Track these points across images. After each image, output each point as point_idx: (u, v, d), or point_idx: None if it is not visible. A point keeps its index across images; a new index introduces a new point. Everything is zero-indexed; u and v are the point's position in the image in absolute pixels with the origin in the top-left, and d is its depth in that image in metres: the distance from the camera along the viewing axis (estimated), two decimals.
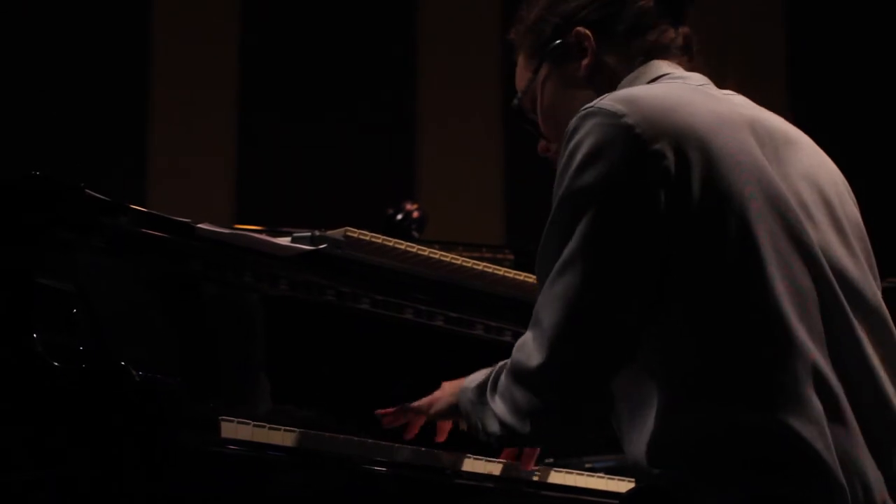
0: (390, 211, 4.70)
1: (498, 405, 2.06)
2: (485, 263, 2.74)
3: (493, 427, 2.08)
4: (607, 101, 2.00)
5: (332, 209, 5.47)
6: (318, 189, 7.37)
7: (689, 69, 2.20)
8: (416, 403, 2.36)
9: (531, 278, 2.76)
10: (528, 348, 1.99)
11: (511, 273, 2.75)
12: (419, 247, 2.62)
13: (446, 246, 3.65)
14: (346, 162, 7.57)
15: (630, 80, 2.15)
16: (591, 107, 2.00)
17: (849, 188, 2.17)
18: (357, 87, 7.72)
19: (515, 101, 2.29)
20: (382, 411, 2.39)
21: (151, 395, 2.00)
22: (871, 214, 2.23)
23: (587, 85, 2.19)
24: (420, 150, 7.85)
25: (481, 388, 2.13)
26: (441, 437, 2.42)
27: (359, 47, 7.79)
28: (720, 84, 2.19)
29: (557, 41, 2.21)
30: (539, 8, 2.26)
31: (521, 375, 2.00)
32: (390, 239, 2.56)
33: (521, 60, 2.29)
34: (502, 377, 2.06)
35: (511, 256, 4.38)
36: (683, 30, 2.23)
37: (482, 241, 5.77)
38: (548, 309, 1.96)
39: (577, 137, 1.98)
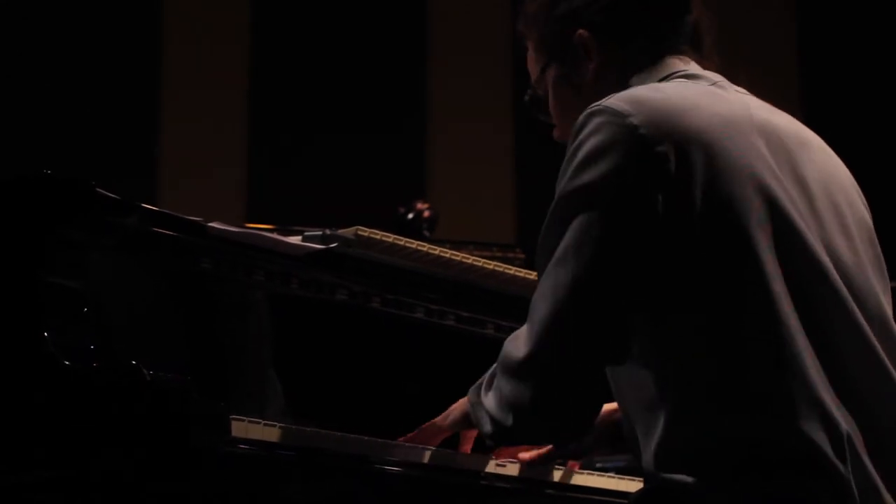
0: (401, 210, 4.71)
1: (489, 400, 2.05)
2: (495, 262, 2.73)
3: (486, 426, 2.06)
4: (614, 100, 1.99)
5: (343, 208, 5.48)
6: (330, 188, 7.38)
7: (704, 64, 2.18)
8: (431, 421, 2.33)
9: None
10: (518, 341, 1.99)
11: (522, 272, 2.74)
12: (430, 246, 2.61)
13: (457, 245, 3.65)
14: (358, 161, 7.57)
15: (640, 78, 2.13)
16: (598, 105, 1.99)
17: (860, 192, 2.16)
18: (368, 86, 7.72)
19: (527, 96, 2.28)
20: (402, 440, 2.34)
21: (162, 394, 2.00)
22: (883, 213, 2.22)
23: (596, 86, 2.17)
24: (431, 150, 7.85)
25: (478, 387, 2.12)
26: (465, 447, 2.38)
27: (370, 47, 7.79)
28: (732, 81, 2.17)
29: (561, 43, 2.20)
30: (539, 4, 2.24)
31: (508, 366, 2.00)
32: (401, 238, 2.56)
33: (530, 51, 2.29)
34: (496, 372, 2.05)
35: (522, 255, 4.38)
36: (692, 18, 2.20)
37: (493, 240, 5.77)
38: (539, 303, 1.98)
39: (581, 135, 1.98)
